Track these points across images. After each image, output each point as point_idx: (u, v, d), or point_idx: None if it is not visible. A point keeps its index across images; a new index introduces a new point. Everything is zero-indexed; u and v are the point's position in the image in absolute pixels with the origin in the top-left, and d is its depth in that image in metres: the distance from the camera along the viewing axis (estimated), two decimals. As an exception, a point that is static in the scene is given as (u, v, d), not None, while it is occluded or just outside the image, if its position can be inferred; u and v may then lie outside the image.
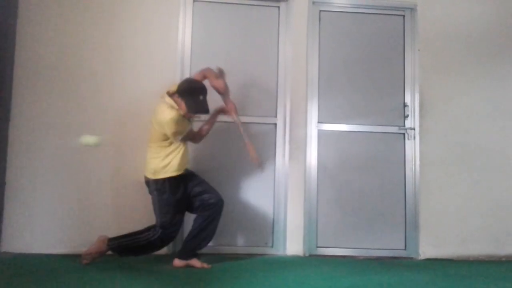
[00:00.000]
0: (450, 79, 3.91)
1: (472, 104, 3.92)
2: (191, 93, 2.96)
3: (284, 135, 3.74)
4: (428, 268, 3.36)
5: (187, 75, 3.68)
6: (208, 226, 3.12)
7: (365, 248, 3.73)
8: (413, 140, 3.83)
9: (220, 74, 3.13)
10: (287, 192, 3.69)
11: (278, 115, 3.76)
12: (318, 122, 3.80)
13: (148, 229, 3.12)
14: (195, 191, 3.16)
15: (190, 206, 3.19)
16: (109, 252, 3.11)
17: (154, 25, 3.66)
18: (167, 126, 2.91)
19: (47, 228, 3.44)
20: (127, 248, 3.08)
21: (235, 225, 3.66)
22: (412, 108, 3.86)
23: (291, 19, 3.81)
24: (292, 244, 3.65)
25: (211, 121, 3.27)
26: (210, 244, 3.55)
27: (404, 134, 3.85)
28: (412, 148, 3.83)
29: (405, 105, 3.87)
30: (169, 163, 3.03)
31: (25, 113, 3.49)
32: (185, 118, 3.03)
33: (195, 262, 3.11)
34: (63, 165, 3.49)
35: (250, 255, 3.58)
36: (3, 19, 3.43)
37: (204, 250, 3.52)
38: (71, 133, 3.50)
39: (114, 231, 3.39)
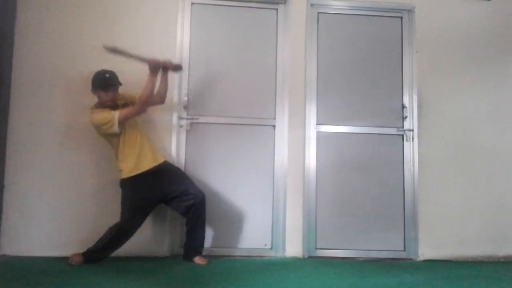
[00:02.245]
0: (448, 80, 3.92)
1: (470, 105, 3.93)
2: (96, 79, 3.17)
3: (283, 136, 3.74)
4: (428, 269, 3.36)
5: (185, 78, 3.69)
6: (197, 226, 3.29)
7: (365, 250, 3.73)
8: (411, 142, 3.84)
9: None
10: (286, 193, 3.69)
11: (277, 117, 3.77)
12: (317, 124, 3.80)
13: (110, 228, 3.19)
14: (173, 192, 3.24)
15: (172, 205, 3.31)
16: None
17: (152, 28, 3.66)
18: (96, 123, 3.10)
19: (45, 231, 3.43)
20: (98, 251, 3.16)
21: (234, 226, 3.66)
22: (411, 110, 3.87)
23: (289, 21, 3.82)
24: (291, 246, 3.65)
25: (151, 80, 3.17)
26: (209, 246, 3.57)
27: (402, 135, 3.85)
28: (411, 150, 3.83)
29: (403, 107, 3.88)
30: (125, 164, 3.15)
31: (24, 116, 3.49)
32: (105, 107, 3.15)
33: (198, 260, 3.26)
34: (61, 168, 3.48)
35: (249, 257, 3.58)
36: (1, 21, 3.42)
37: (203, 252, 3.53)
38: (70, 135, 3.51)
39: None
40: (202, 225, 3.30)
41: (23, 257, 3.34)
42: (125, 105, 3.25)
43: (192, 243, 3.31)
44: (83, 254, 3.16)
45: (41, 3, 3.58)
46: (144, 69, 3.15)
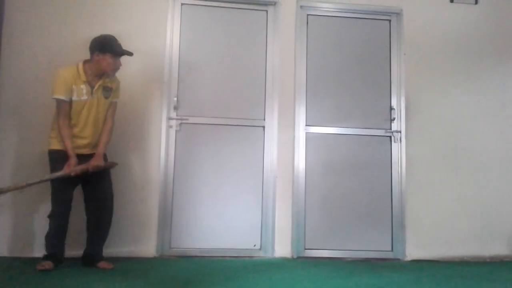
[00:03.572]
0: (435, 82, 3.97)
1: (457, 106, 3.98)
2: (107, 42, 3.00)
3: (273, 137, 3.75)
4: (415, 269, 3.39)
5: (175, 78, 3.69)
6: (100, 227, 3.11)
7: (353, 250, 3.76)
8: (399, 143, 3.87)
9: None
10: (275, 194, 3.70)
11: (267, 118, 3.78)
12: (306, 125, 3.82)
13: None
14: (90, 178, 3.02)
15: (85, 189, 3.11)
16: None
17: (142, 28, 3.65)
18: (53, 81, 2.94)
19: (32, 231, 3.39)
20: (48, 242, 2.96)
21: (223, 227, 3.66)
22: (398, 111, 3.91)
23: (279, 23, 3.84)
24: (280, 246, 3.66)
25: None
26: (198, 246, 3.57)
27: (390, 136, 3.89)
28: (398, 151, 3.87)
29: (391, 108, 3.92)
30: (53, 134, 3.01)
31: (13, 117, 3.46)
32: (81, 80, 2.96)
33: (103, 265, 3.05)
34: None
35: (238, 258, 3.58)
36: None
37: (192, 253, 3.54)
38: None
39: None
40: (107, 227, 3.13)
41: (8, 258, 3.31)
42: (109, 89, 3.07)
43: (95, 247, 3.09)
44: (46, 256, 2.95)
45: (29, 3, 3.55)
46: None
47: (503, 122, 4.02)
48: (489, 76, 4.06)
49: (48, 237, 2.97)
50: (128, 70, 3.56)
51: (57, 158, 2.96)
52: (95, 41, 3.03)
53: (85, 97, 2.97)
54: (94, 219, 3.11)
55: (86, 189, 3.12)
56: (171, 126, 3.65)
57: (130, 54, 3.08)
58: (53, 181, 2.97)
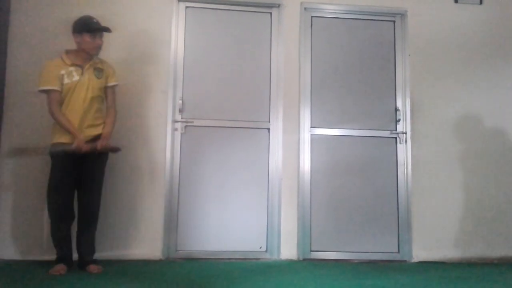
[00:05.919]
0: (440, 83, 3.96)
1: (462, 107, 3.97)
2: (81, 22, 3.02)
3: (278, 140, 3.75)
4: (422, 271, 3.38)
5: (180, 81, 3.70)
6: (85, 231, 3.07)
7: (359, 252, 3.75)
8: (404, 144, 3.86)
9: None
10: (280, 196, 3.70)
11: (271, 120, 3.78)
12: (311, 127, 3.82)
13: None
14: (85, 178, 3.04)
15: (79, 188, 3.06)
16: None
17: (147, 32, 3.67)
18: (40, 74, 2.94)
19: (38, 235, 3.41)
20: (57, 242, 2.97)
21: (229, 229, 3.66)
22: (404, 112, 3.90)
23: (283, 25, 3.85)
24: (286, 249, 3.66)
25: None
26: (205, 249, 3.57)
27: (396, 138, 3.88)
28: (404, 152, 3.86)
29: (396, 110, 3.91)
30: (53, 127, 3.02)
31: (17, 120, 3.48)
32: (68, 64, 2.98)
33: (91, 269, 3.01)
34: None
35: (245, 260, 3.58)
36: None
37: (198, 256, 3.54)
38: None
39: (104, 237, 3.39)
40: (91, 230, 3.08)
41: (18, 260, 3.32)
42: (100, 70, 3.08)
43: (82, 250, 3.06)
44: (57, 260, 2.98)
45: (35, 3, 3.58)
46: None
47: (509, 123, 4.00)
48: (495, 76, 4.04)
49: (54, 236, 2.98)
50: (133, 73, 3.59)
51: (57, 151, 2.94)
52: (72, 24, 3.05)
53: (76, 78, 2.98)
54: (81, 227, 3.07)
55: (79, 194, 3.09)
56: (176, 129, 3.66)
57: (107, 30, 3.10)
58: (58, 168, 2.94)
